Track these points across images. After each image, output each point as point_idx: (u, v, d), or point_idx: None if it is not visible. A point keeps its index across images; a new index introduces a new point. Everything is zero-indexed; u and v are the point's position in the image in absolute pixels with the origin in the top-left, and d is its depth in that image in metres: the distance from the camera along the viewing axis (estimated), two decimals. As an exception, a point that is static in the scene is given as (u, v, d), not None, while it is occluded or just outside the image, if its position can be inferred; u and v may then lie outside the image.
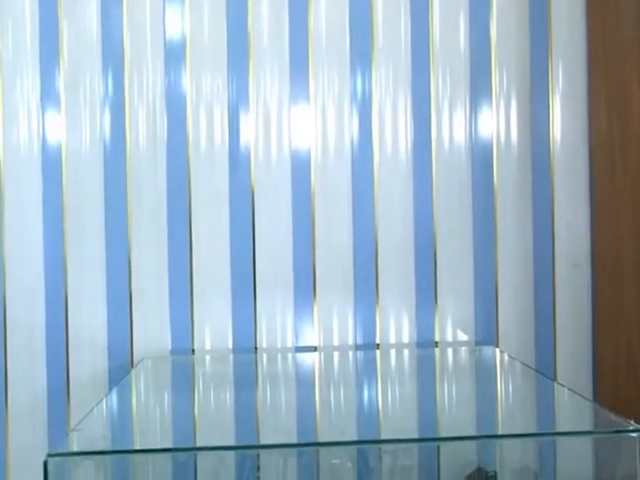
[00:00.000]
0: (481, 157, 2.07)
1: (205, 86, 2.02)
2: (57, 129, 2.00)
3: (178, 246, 2.02)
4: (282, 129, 2.03)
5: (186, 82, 2.01)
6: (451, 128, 2.06)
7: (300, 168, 2.03)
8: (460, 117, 2.06)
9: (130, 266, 2.01)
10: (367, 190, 2.05)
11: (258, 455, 1.99)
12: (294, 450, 1.88)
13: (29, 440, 1.96)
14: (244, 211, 2.03)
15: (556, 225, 2.09)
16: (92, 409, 1.53)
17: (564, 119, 2.08)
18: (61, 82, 1.99)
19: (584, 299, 2.09)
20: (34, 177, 1.99)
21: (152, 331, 2.01)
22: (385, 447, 1.77)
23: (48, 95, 1.99)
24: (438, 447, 2.02)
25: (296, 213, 2.04)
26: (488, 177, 2.07)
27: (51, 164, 1.99)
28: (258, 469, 2.01)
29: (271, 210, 2.03)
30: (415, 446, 1.94)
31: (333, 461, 1.94)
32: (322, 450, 1.91)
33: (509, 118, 2.07)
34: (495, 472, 1.87)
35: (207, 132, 2.01)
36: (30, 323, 1.98)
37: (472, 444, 1.88)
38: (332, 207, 2.05)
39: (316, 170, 2.04)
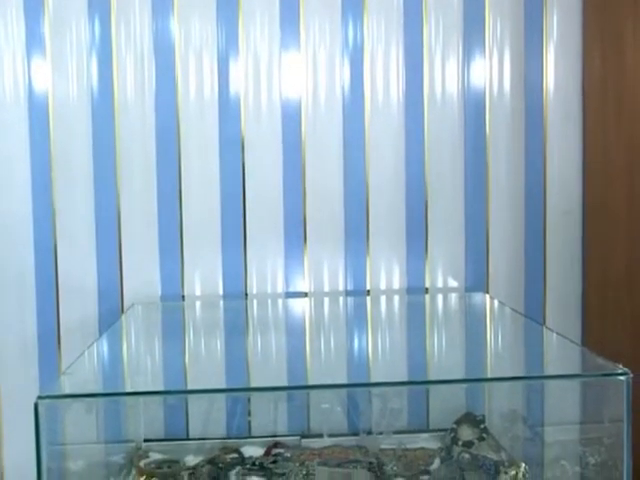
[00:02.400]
0: (473, 106, 2.05)
1: (194, 33, 1.99)
2: (43, 77, 1.97)
3: (168, 194, 2.01)
4: (272, 78, 2.01)
5: (174, 29, 1.98)
6: (443, 77, 2.04)
7: (291, 117, 2.02)
8: (453, 66, 2.04)
9: (119, 213, 2.00)
10: (358, 139, 2.03)
11: (249, 399, 2.01)
12: (284, 393, 1.90)
13: (20, 384, 1.96)
14: (234, 160, 2.02)
15: (548, 173, 2.08)
16: (82, 353, 1.54)
17: (557, 68, 2.06)
18: (46, 29, 1.96)
19: (574, 246, 2.09)
20: (21, 126, 1.96)
21: (142, 277, 2.01)
22: (375, 390, 1.78)
23: (33, 42, 1.96)
24: (427, 392, 2.04)
25: (286, 162, 2.03)
26: (480, 126, 2.06)
27: (38, 113, 1.96)
28: (249, 414, 2.03)
29: (261, 159, 2.02)
30: (405, 390, 1.96)
31: (323, 405, 1.96)
32: (312, 394, 1.93)
33: (502, 67, 2.05)
34: (483, 416, 1.89)
35: (196, 81, 1.99)
36: (20, 270, 1.97)
37: (461, 389, 1.90)
38: (323, 156, 2.03)
39: (307, 119, 2.02)
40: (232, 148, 2.01)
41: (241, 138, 2.01)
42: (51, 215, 1.98)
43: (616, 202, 1.88)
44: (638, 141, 1.77)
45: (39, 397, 1.24)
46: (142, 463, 1.84)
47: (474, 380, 1.50)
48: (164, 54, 1.98)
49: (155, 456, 1.89)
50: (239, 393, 1.80)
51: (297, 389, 1.59)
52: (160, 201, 2.00)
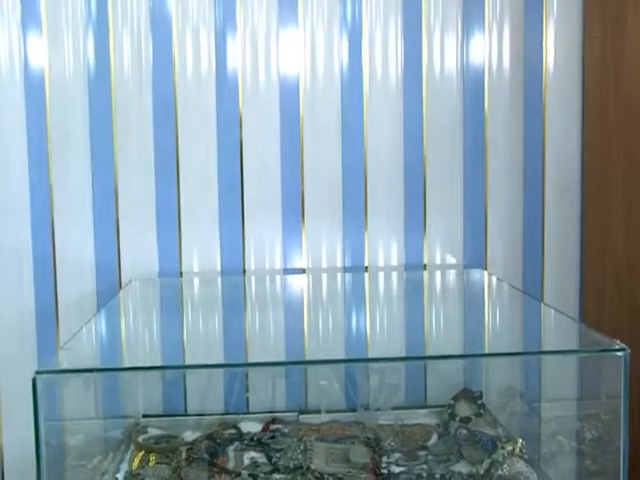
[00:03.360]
0: (472, 84, 2.04)
1: (191, 9, 1.97)
2: (39, 53, 1.95)
3: (165, 170, 2.00)
4: (270, 54, 1.99)
5: (171, 5, 1.96)
6: (442, 54, 2.03)
7: (288, 94, 2.00)
8: (452, 43, 2.03)
9: (117, 189, 1.99)
10: (356, 116, 2.02)
11: (247, 375, 2.01)
12: (282, 369, 1.91)
13: (18, 360, 1.96)
14: (231, 136, 2.00)
15: (547, 150, 2.08)
16: (81, 329, 1.53)
17: (557, 47, 2.05)
18: (42, 4, 1.94)
19: (573, 222, 2.09)
20: (17, 102, 1.95)
21: (140, 253, 2.00)
22: (372, 366, 1.78)
23: (29, 17, 1.94)
24: (425, 368, 2.04)
25: (284, 138, 2.02)
26: (479, 103, 2.05)
27: (34, 89, 1.95)
28: (247, 390, 2.03)
29: (259, 135, 2.01)
30: (402, 366, 1.96)
31: (321, 382, 1.96)
32: (310, 370, 1.93)
33: (502, 45, 2.04)
34: (480, 392, 1.89)
35: (193, 57, 1.97)
36: (17, 247, 1.97)
37: (458, 365, 1.91)
38: (321, 132, 2.02)
39: (305, 96, 2.01)
40: (230, 124, 2.00)
41: (239, 114, 2.00)
42: (48, 191, 1.97)
43: (615, 180, 1.87)
44: (637, 120, 1.77)
45: (37, 372, 1.24)
46: (140, 438, 1.84)
47: (472, 355, 1.50)
48: (161, 30, 1.97)
49: (153, 432, 1.89)
50: (237, 368, 1.80)
51: (295, 364, 1.59)
52: (157, 177, 2.00)
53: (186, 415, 2.01)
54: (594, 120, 2.00)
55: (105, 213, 1.99)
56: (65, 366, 1.38)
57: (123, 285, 1.99)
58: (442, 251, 2.07)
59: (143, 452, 1.79)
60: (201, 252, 2.01)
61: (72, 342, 1.46)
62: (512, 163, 2.07)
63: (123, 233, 2.00)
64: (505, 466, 1.57)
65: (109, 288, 1.97)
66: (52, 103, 1.96)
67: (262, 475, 1.65)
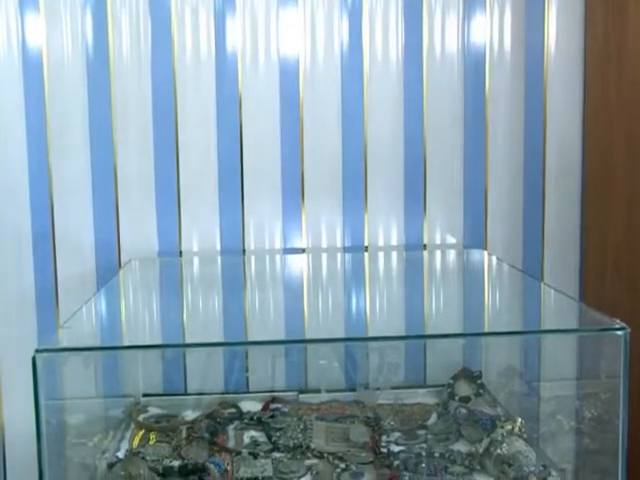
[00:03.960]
0: (473, 65, 2.03)
1: (190, -12, 1.97)
2: (37, 34, 1.94)
3: (164, 149, 1.99)
4: (270, 35, 1.98)
5: (170, -16, 1.96)
6: (443, 34, 2.02)
7: (288, 74, 1.99)
8: (453, 23, 2.01)
9: (116, 169, 1.99)
10: (357, 96, 2.02)
11: (247, 355, 2.01)
12: (282, 348, 1.91)
13: (18, 340, 1.96)
14: (231, 117, 2.00)
15: (548, 132, 2.07)
16: (80, 308, 1.53)
17: (559, 27, 2.03)
18: (41, -17, 1.94)
19: (573, 202, 2.08)
20: (15, 83, 1.94)
21: (139, 233, 2.00)
22: (372, 345, 1.78)
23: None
24: (424, 348, 2.05)
25: (284, 119, 2.01)
26: (480, 84, 2.04)
27: (32, 70, 1.94)
28: (247, 369, 2.04)
29: (259, 116, 2.00)
30: (402, 345, 1.97)
31: (321, 362, 1.97)
32: (310, 349, 1.93)
33: (503, 25, 2.02)
34: (480, 372, 1.90)
35: (192, 37, 1.96)
36: (16, 226, 1.96)
37: (458, 345, 1.91)
38: (321, 113, 2.02)
39: (305, 76, 2.00)
40: (229, 105, 1.99)
41: (238, 95, 1.99)
42: (47, 171, 1.97)
43: (616, 162, 1.87)
44: (639, 102, 1.76)
45: (37, 350, 1.24)
46: (141, 417, 1.85)
47: (471, 334, 1.50)
48: (160, 9, 1.95)
49: (154, 411, 1.90)
50: (237, 347, 1.80)
51: (295, 343, 1.59)
52: (157, 157, 1.99)
53: (186, 394, 2.02)
54: (595, 102, 1.99)
55: (104, 192, 1.99)
56: (65, 345, 1.38)
57: (122, 264, 1.99)
58: (442, 231, 2.06)
59: (143, 431, 1.79)
60: (201, 232, 2.01)
61: (72, 321, 1.46)
62: (513, 144, 2.06)
63: (122, 212, 1.99)
64: (504, 445, 1.57)
65: (108, 267, 1.97)
66: (50, 83, 1.95)
67: (262, 454, 1.66)
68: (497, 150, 2.06)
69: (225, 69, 1.98)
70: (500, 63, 2.04)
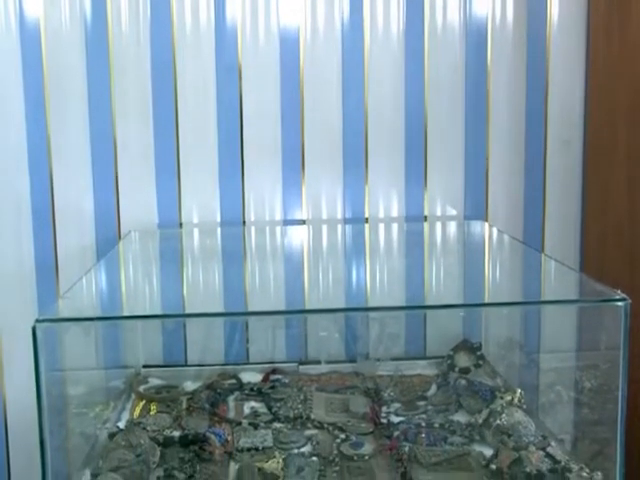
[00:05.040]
0: (475, 37, 2.01)
1: (189, -42, 1.95)
2: (35, 5, 1.91)
3: (164, 120, 1.98)
4: (270, 4, 1.96)
5: (169, -46, 1.94)
6: (445, 6, 1.99)
7: (289, 46, 1.98)
8: (454, -7, 2.01)
9: (115, 140, 1.98)
10: (357, 68, 2.00)
11: (247, 326, 2.02)
12: (282, 320, 1.91)
13: (18, 312, 1.97)
14: (231, 88, 1.98)
15: (549, 103, 2.06)
16: (80, 278, 1.53)
17: (562, -1, 2.03)
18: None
19: (574, 174, 2.08)
20: (13, 55, 1.91)
21: (139, 204, 1.99)
22: (372, 315, 1.79)
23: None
24: (424, 319, 2.05)
25: (284, 91, 1.99)
26: (482, 56, 2.02)
27: (30, 42, 1.92)
28: (247, 340, 2.04)
29: (259, 88, 1.99)
30: (402, 316, 1.97)
31: (321, 333, 1.97)
32: (310, 320, 1.93)
33: (505, -4, 2.02)
34: (480, 343, 1.90)
35: (192, 8, 1.94)
36: (16, 198, 1.95)
37: (458, 316, 1.91)
38: (321, 84, 2.00)
39: (305, 48, 1.98)
40: (229, 77, 1.98)
41: (238, 66, 1.97)
42: (46, 143, 1.96)
43: (618, 132, 1.86)
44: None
45: (37, 320, 1.23)
46: (141, 388, 1.86)
47: (471, 305, 1.50)
48: (159, -21, 1.94)
49: (154, 382, 1.90)
50: (237, 318, 1.80)
51: (295, 313, 1.59)
52: (156, 128, 1.98)
53: (186, 365, 2.02)
54: (598, 72, 1.97)
55: (104, 164, 1.98)
56: (65, 315, 1.38)
57: (122, 236, 1.98)
58: (443, 203, 2.06)
59: (144, 401, 1.80)
60: (201, 203, 2.01)
61: (72, 292, 1.46)
62: (514, 115, 2.05)
63: (122, 184, 1.99)
64: (504, 416, 1.58)
65: (108, 239, 1.97)
66: (49, 55, 1.93)
67: (262, 424, 1.67)
68: (498, 121, 2.05)
69: (225, 40, 1.96)
70: (502, 34, 2.02)
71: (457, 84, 2.03)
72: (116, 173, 1.98)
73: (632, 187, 1.79)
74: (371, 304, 1.58)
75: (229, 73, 1.97)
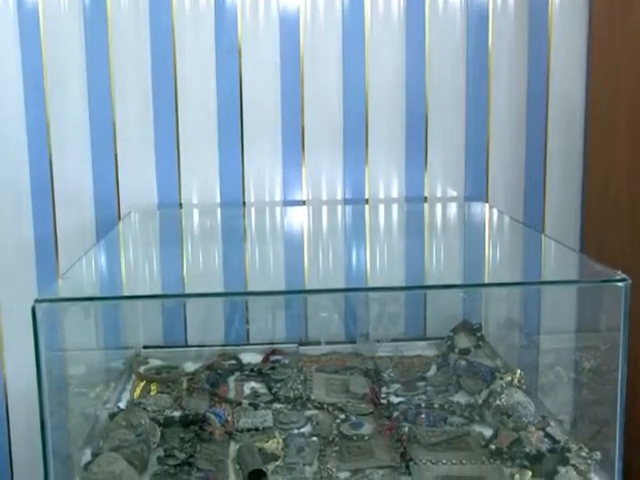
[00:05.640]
0: (476, 15, 2.00)
1: (189, -63, 1.93)
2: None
3: (163, 101, 1.97)
4: (270, -16, 1.96)
5: None
6: (446, -15, 1.99)
7: (289, 25, 1.96)
8: (455, -28, 1.99)
9: (114, 120, 1.97)
10: (358, 48, 1.99)
11: (247, 307, 2.02)
12: (282, 300, 1.91)
13: (18, 293, 1.96)
14: (230, 69, 1.97)
15: (551, 85, 2.05)
16: (80, 258, 1.53)
17: (564, -23, 2.01)
18: None
19: (575, 155, 2.07)
20: (11, 37, 1.90)
21: (139, 184, 1.99)
22: (372, 295, 1.78)
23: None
24: (425, 300, 2.05)
25: (284, 70, 1.98)
26: (483, 35, 2.01)
27: (28, 24, 1.90)
28: (247, 321, 2.04)
29: (259, 68, 1.98)
30: (402, 297, 1.97)
31: (321, 314, 1.97)
32: (310, 301, 1.93)
33: (506, -25, 2.00)
34: (480, 324, 1.90)
35: (192, -12, 1.94)
36: (15, 178, 1.95)
37: (458, 297, 1.91)
38: (322, 65, 1.99)
39: (305, 26, 1.97)
40: (229, 57, 1.96)
41: (238, 46, 1.96)
42: (45, 123, 1.95)
43: (619, 113, 1.85)
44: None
45: (36, 300, 1.23)
46: (141, 369, 1.86)
47: (472, 285, 1.49)
48: (158, -41, 1.93)
49: (154, 362, 1.91)
50: (237, 298, 1.80)
51: (295, 293, 1.59)
52: (156, 109, 1.97)
53: (186, 346, 2.03)
54: (600, 53, 1.97)
55: (103, 144, 1.97)
56: (64, 295, 1.37)
57: (122, 216, 1.98)
58: (443, 184, 2.05)
59: (144, 382, 1.81)
60: (200, 183, 2.00)
61: (71, 272, 1.45)
62: (515, 95, 2.04)
63: (121, 164, 1.98)
64: (503, 396, 1.58)
65: (108, 219, 1.97)
66: (47, 36, 1.92)
67: (262, 405, 1.67)
68: (499, 101, 2.04)
69: (224, 18, 1.95)
70: (503, 15, 2.01)
71: (458, 65, 2.02)
72: (115, 153, 1.98)
73: (633, 168, 1.79)
74: (371, 284, 1.58)
75: (229, 54, 1.96)
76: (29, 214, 1.97)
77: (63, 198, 1.97)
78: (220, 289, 1.56)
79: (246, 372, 1.85)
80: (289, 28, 1.97)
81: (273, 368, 1.85)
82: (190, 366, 1.87)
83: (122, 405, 1.66)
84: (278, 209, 2.02)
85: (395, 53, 2.00)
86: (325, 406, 1.66)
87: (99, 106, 1.96)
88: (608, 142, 1.91)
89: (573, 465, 1.34)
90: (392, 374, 1.82)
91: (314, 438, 1.53)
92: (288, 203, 2.03)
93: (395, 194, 2.04)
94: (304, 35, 1.97)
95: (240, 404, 1.67)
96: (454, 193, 2.06)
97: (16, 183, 1.96)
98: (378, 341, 1.94)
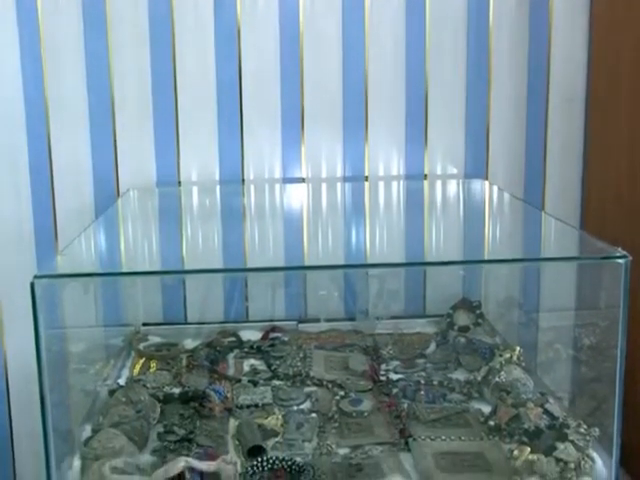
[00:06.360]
0: (477, -7, 2.00)
1: None
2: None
3: (162, 80, 1.96)
4: (269, -37, 1.95)
5: None
6: (447, -38, 1.98)
7: (289, 3, 1.95)
8: (455, -51, 1.97)
9: (113, 98, 1.96)
10: (358, 26, 1.97)
11: (247, 284, 2.02)
12: (282, 277, 1.91)
13: (17, 271, 1.96)
14: (230, 46, 1.96)
15: (552, 61, 2.03)
16: (79, 235, 1.52)
17: (566, -51, 2.00)
18: None
19: (576, 133, 2.06)
20: (8, 11, 1.88)
21: (137, 162, 1.98)
22: (372, 272, 1.78)
23: None
24: (424, 277, 2.05)
25: (284, 47, 1.97)
26: (484, 12, 1.99)
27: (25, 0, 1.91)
28: (247, 298, 2.04)
29: (258, 46, 1.96)
30: (402, 274, 1.97)
31: (320, 292, 1.97)
32: (309, 278, 1.93)
33: (508, -50, 1.99)
34: (479, 302, 1.90)
35: (190, -34, 1.93)
36: (13, 156, 1.94)
37: (458, 275, 1.91)
38: (321, 42, 1.98)
39: (305, 6, 1.95)
40: (228, 34, 1.95)
41: (237, 24, 1.95)
42: (43, 101, 1.94)
43: (620, 90, 1.84)
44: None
45: (35, 277, 1.22)
46: (141, 346, 1.86)
47: (471, 262, 1.49)
48: None
49: (154, 339, 1.91)
50: (236, 275, 1.80)
51: (294, 270, 1.59)
52: (154, 86, 1.96)
53: (186, 323, 2.03)
54: (602, 30, 1.95)
55: (101, 122, 1.96)
56: (63, 271, 1.37)
57: (121, 194, 1.97)
58: (443, 161, 2.05)
59: (144, 359, 1.81)
60: (200, 161, 1.99)
61: (70, 249, 1.45)
62: (516, 72, 2.03)
63: (120, 142, 1.97)
64: (502, 373, 1.59)
65: (107, 197, 1.96)
66: (45, 13, 1.90)
67: (262, 381, 1.67)
68: (500, 78, 2.03)
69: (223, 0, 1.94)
70: (505, -9, 2.00)
71: (459, 41, 2.01)
72: (114, 131, 1.97)
73: (634, 145, 1.78)
74: (370, 262, 1.58)
75: (228, 31, 1.95)
76: (28, 193, 1.97)
77: (62, 176, 1.97)
78: (219, 266, 1.55)
79: (245, 349, 1.85)
80: (289, 5, 1.95)
81: (272, 345, 1.85)
82: (190, 343, 1.88)
83: (122, 382, 1.66)
84: (278, 186, 2.02)
85: (395, 29, 1.98)
86: (324, 383, 1.66)
87: (98, 84, 1.95)
88: (609, 119, 1.90)
89: (571, 441, 1.35)
90: (391, 351, 1.82)
91: (313, 415, 1.54)
92: (288, 181, 2.02)
93: (395, 171, 2.04)
94: (304, 12, 1.96)
95: (239, 381, 1.67)
96: (454, 170, 2.05)
97: (15, 162, 1.95)
98: (377, 318, 1.94)
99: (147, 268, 1.49)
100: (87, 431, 1.44)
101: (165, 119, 1.98)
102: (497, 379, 1.58)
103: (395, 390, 1.63)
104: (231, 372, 1.74)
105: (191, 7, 1.94)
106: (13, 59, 1.91)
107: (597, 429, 1.38)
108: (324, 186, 2.03)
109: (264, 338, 1.90)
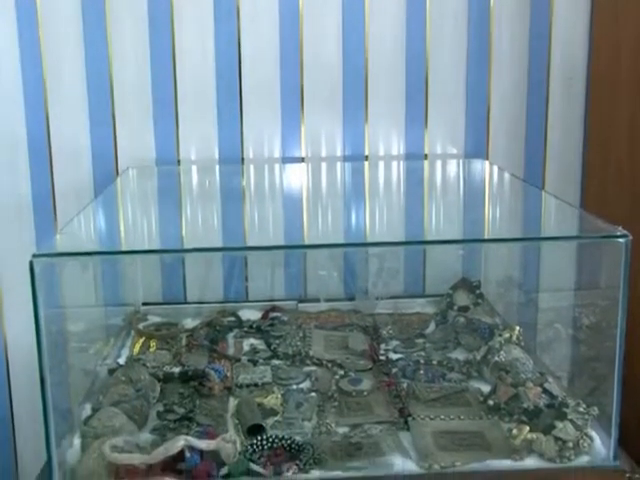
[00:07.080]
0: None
1: None
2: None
3: (161, 58, 1.94)
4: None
5: None
6: (447, -61, 1.96)
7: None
8: None
9: (111, 76, 1.95)
10: (358, 6, 1.96)
11: (246, 263, 2.01)
12: (282, 257, 1.91)
13: (16, 250, 1.95)
14: (229, 25, 1.94)
15: (553, 40, 2.02)
16: (78, 214, 1.52)
17: None
18: None
19: (576, 112, 2.05)
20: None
21: (136, 141, 1.97)
22: (372, 251, 1.78)
23: None
24: (424, 257, 2.05)
25: (283, 26, 1.96)
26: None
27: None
28: (246, 278, 2.04)
29: (258, 27, 1.95)
30: (402, 254, 1.97)
31: (320, 272, 1.97)
32: (309, 257, 1.93)
33: None
34: (479, 282, 1.90)
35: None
36: (11, 135, 1.93)
37: (458, 255, 1.91)
38: (321, 22, 1.96)
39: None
40: (227, 13, 1.93)
41: (237, 4, 1.94)
42: (42, 81, 1.93)
43: (621, 69, 1.83)
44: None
45: (34, 255, 1.22)
46: (141, 325, 1.86)
47: (471, 241, 1.49)
48: None
49: (154, 319, 1.91)
50: (236, 254, 1.80)
51: (294, 248, 1.58)
52: (153, 65, 1.95)
53: (186, 303, 2.03)
54: (603, 9, 1.94)
55: (101, 100, 1.95)
56: (62, 250, 1.37)
57: (120, 173, 1.96)
58: (443, 141, 2.04)
59: (144, 338, 1.81)
60: (199, 140, 1.99)
61: (69, 227, 1.44)
62: (517, 51, 2.02)
63: (119, 120, 1.97)
64: (502, 353, 1.59)
65: (106, 176, 1.95)
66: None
67: (261, 361, 1.68)
68: (501, 58, 2.02)
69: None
70: (506, -33, 1.98)
71: (460, 21, 1.99)
72: (113, 109, 1.96)
73: (634, 125, 1.78)
74: (370, 241, 1.57)
75: (229, 9, 1.94)
76: (27, 171, 1.96)
77: (60, 155, 1.96)
78: (219, 245, 1.55)
79: (245, 329, 1.85)
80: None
81: (272, 325, 1.85)
82: (189, 323, 1.88)
83: (121, 361, 1.66)
84: (277, 166, 2.01)
85: (396, 10, 1.97)
86: (324, 362, 1.66)
87: (96, 62, 1.94)
88: (610, 99, 1.89)
89: (570, 420, 1.35)
90: (391, 331, 1.83)
91: (313, 394, 1.54)
92: (287, 160, 2.01)
93: (395, 151, 2.03)
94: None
95: (239, 360, 1.68)
96: (454, 150, 2.04)
97: (13, 140, 1.94)
98: (377, 298, 1.94)
99: (146, 247, 1.49)
100: (87, 410, 1.44)
101: (164, 97, 1.96)
102: (496, 359, 1.58)
103: (394, 369, 1.63)
104: (231, 351, 1.74)
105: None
106: (11, 38, 1.90)
107: (596, 408, 1.38)
108: (324, 166, 2.02)
109: (264, 318, 1.90)
